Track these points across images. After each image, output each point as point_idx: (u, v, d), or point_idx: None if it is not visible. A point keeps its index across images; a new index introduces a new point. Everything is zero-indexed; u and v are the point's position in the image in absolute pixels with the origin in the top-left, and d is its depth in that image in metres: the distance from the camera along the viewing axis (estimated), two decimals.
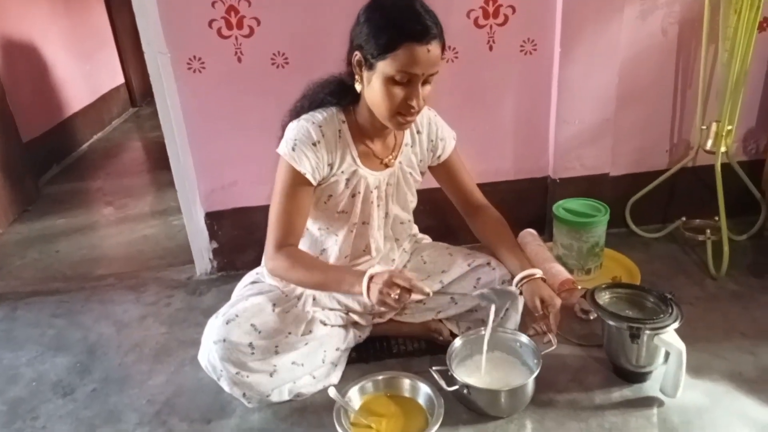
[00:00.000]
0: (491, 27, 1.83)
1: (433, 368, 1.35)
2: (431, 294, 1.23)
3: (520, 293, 1.38)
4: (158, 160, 3.42)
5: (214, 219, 1.97)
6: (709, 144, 1.88)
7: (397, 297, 1.18)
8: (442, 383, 1.31)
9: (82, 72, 3.97)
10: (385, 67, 1.21)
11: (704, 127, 1.89)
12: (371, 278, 1.22)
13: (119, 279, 2.08)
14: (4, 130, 2.69)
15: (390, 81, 1.22)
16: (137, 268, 2.17)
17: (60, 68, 3.62)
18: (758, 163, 2.06)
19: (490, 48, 1.86)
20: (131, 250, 2.33)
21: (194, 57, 1.74)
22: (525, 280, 1.35)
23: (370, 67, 1.23)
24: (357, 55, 1.25)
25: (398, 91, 1.23)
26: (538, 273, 1.36)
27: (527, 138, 2.01)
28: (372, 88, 1.26)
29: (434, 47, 1.20)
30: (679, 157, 2.04)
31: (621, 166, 2.05)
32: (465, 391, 1.29)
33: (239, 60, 1.76)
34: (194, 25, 1.71)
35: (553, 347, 1.32)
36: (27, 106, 3.11)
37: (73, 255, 2.33)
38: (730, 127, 1.84)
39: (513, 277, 1.39)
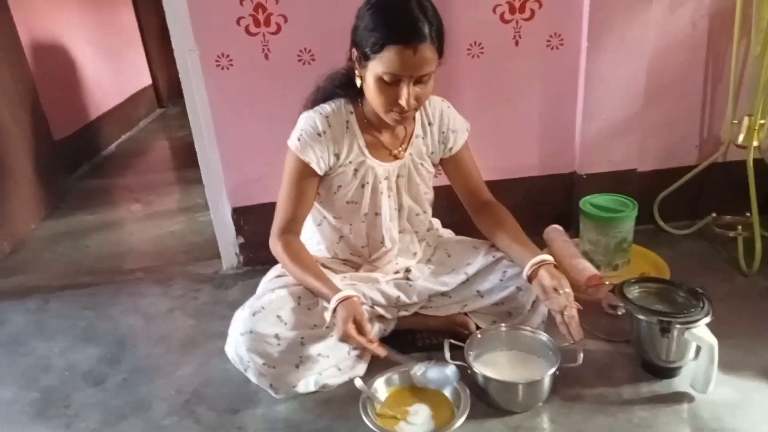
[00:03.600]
0: (517, 22, 1.82)
1: (447, 340, 1.37)
2: (383, 355, 1.31)
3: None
4: (184, 159, 3.48)
5: (240, 214, 2.00)
6: (740, 138, 1.84)
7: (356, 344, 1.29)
8: (447, 354, 1.34)
9: (111, 72, 4.05)
10: (374, 66, 1.24)
11: (735, 122, 1.85)
12: (339, 302, 1.30)
13: (147, 273, 2.12)
14: (36, 128, 2.75)
15: (380, 80, 1.25)
16: (164, 262, 2.20)
17: (89, 69, 3.69)
18: None
19: (516, 43, 1.85)
20: (159, 246, 2.37)
21: (222, 54, 1.77)
22: (533, 269, 1.34)
23: (364, 65, 1.27)
24: (354, 52, 1.29)
25: (388, 90, 1.25)
26: (547, 258, 1.34)
27: (553, 133, 1.99)
28: (367, 85, 1.30)
29: (423, 50, 1.20)
30: (709, 152, 2.00)
31: (649, 161, 2.03)
32: (480, 379, 1.30)
33: (266, 57, 1.78)
34: (222, 22, 1.73)
35: (578, 363, 1.29)
36: (58, 105, 3.18)
37: (102, 250, 2.38)
38: (762, 121, 1.80)
39: (522, 269, 1.37)
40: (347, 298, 1.31)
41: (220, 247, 2.06)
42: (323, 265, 1.50)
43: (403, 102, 1.25)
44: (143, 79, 4.70)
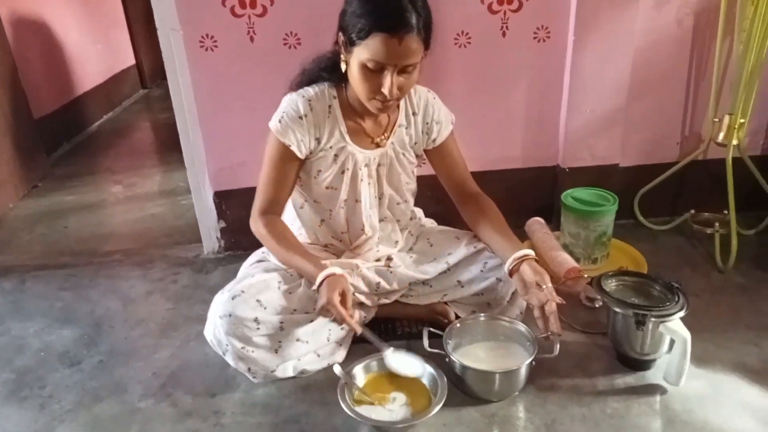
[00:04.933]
0: (505, 13, 1.82)
1: (426, 328, 1.38)
2: (360, 332, 1.33)
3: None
4: (167, 142, 3.44)
5: (222, 198, 1.98)
6: (720, 137, 1.87)
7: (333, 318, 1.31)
8: (425, 342, 1.35)
9: (94, 51, 3.98)
10: (359, 53, 1.23)
11: (716, 120, 1.88)
12: (326, 277, 1.30)
13: (126, 255, 2.10)
14: (16, 106, 2.69)
15: (364, 67, 1.25)
16: (144, 245, 2.18)
17: (72, 47, 3.62)
18: None
19: (504, 34, 1.85)
20: (139, 228, 2.35)
21: (207, 35, 1.74)
22: (515, 263, 1.34)
23: (349, 50, 1.26)
24: (340, 36, 1.28)
25: (371, 78, 1.25)
26: (530, 253, 1.35)
27: (538, 126, 2.00)
28: (351, 71, 1.29)
29: (409, 40, 1.20)
30: (690, 149, 2.03)
31: (631, 157, 2.05)
32: (457, 368, 1.31)
33: (252, 39, 1.76)
34: (208, 2, 1.70)
35: (554, 354, 1.31)
36: (39, 83, 3.13)
37: (81, 231, 2.34)
38: (742, 120, 1.83)
39: (504, 262, 1.38)
40: (333, 274, 1.31)
41: (201, 231, 2.04)
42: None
43: (385, 90, 1.25)
44: (127, 59, 4.62)
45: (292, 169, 1.42)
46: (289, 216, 1.56)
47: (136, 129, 3.92)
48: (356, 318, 1.39)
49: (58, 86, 3.48)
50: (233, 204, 1.99)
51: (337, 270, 1.33)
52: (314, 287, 1.33)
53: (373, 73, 1.24)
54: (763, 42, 1.72)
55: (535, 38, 1.87)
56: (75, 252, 2.16)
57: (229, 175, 1.95)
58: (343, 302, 1.28)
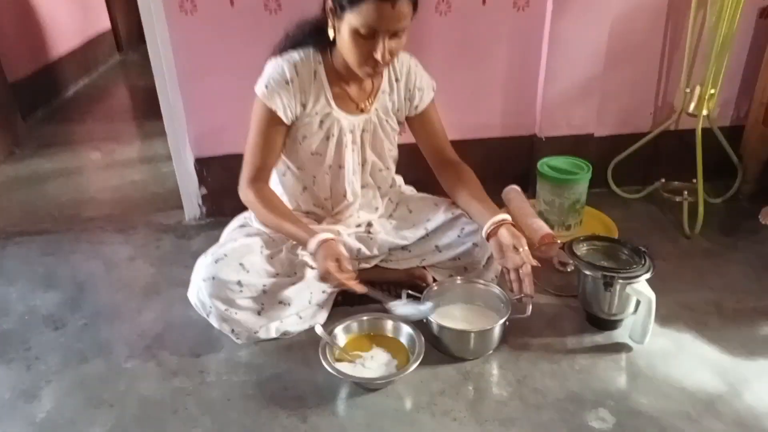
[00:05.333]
0: None
1: (405, 291, 1.43)
2: (362, 291, 1.35)
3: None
4: (146, 108, 3.41)
5: (203, 165, 1.99)
6: (691, 107, 1.92)
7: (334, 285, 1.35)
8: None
9: (69, 13, 3.88)
10: (351, 18, 1.23)
11: (688, 90, 1.93)
12: (320, 244, 1.32)
13: (108, 222, 2.10)
14: None
15: (356, 33, 1.25)
16: (126, 211, 2.18)
17: (46, 9, 3.53)
18: (738, 129, 2.11)
19: (483, 2, 1.86)
20: (120, 195, 2.35)
21: None
22: (492, 227, 1.38)
23: (339, 16, 1.26)
24: (329, 3, 1.28)
25: (363, 44, 1.26)
26: (507, 218, 1.39)
27: (516, 95, 2.03)
28: (341, 37, 1.29)
29: (401, 4, 1.22)
30: (662, 119, 2.08)
31: (606, 126, 2.09)
32: (434, 328, 1.37)
33: (232, 3, 1.75)
34: None
35: (527, 315, 1.37)
36: (12, 47, 3.06)
37: (60, 197, 2.34)
38: (713, 91, 1.88)
39: (482, 227, 1.42)
40: (326, 240, 1.34)
41: (182, 197, 2.05)
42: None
43: (378, 56, 1.26)
44: (102, 22, 4.52)
45: (278, 134, 1.42)
46: (272, 183, 1.58)
47: (114, 94, 3.87)
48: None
49: (33, 50, 3.40)
50: (214, 170, 2.00)
51: (329, 235, 1.36)
52: (308, 253, 1.36)
53: (365, 39, 1.25)
54: (734, 14, 1.76)
55: (514, 7, 1.88)
56: (55, 218, 2.15)
57: (210, 140, 1.95)
58: (340, 267, 1.31)
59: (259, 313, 1.40)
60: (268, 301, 1.40)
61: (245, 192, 1.45)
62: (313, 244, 1.33)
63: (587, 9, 1.86)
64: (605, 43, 1.92)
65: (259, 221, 1.51)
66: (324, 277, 1.32)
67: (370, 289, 1.37)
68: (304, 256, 1.47)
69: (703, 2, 1.85)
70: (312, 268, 1.47)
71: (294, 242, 1.47)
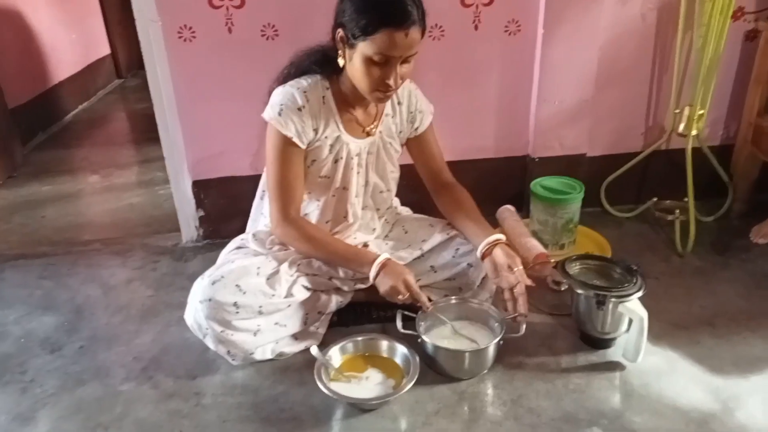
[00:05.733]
0: (477, 7, 1.87)
1: (399, 311, 1.44)
2: (429, 307, 1.42)
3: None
4: (144, 132, 3.44)
5: (201, 187, 2.01)
6: (681, 127, 1.96)
7: (405, 298, 1.38)
8: (399, 324, 1.42)
9: (69, 41, 3.94)
10: (364, 47, 1.27)
11: (677, 111, 1.96)
12: (381, 267, 1.37)
13: (105, 245, 2.12)
14: None
15: (369, 61, 1.28)
16: (123, 234, 2.20)
17: (46, 36, 3.59)
18: (728, 148, 2.14)
19: (476, 27, 1.90)
20: (117, 218, 2.36)
21: (185, 26, 1.76)
22: (487, 247, 1.41)
23: (351, 45, 1.30)
24: (339, 32, 1.31)
25: (376, 71, 1.29)
26: (501, 238, 1.42)
27: (509, 117, 2.07)
28: (353, 65, 1.32)
29: (413, 31, 1.26)
30: (653, 139, 2.12)
31: (598, 147, 2.13)
32: (429, 348, 1.38)
33: (230, 30, 1.79)
34: None
35: (520, 334, 1.39)
36: (13, 73, 3.10)
37: (59, 221, 2.35)
38: (701, 112, 1.91)
39: (477, 247, 1.45)
40: (386, 261, 1.39)
41: (179, 220, 2.07)
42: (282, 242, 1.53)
43: (391, 81, 1.30)
44: (101, 48, 4.58)
45: (299, 158, 1.43)
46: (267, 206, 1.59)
47: (112, 119, 3.91)
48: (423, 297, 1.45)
49: (33, 76, 3.44)
50: (212, 193, 2.02)
51: (385, 256, 1.41)
52: (371, 279, 1.40)
53: (378, 65, 1.28)
54: (721, 37, 1.81)
55: (506, 31, 1.93)
56: (53, 241, 2.17)
57: (208, 164, 1.98)
58: (407, 285, 1.37)
59: (255, 334, 1.41)
60: (264, 322, 1.41)
61: (283, 229, 1.45)
62: (374, 269, 1.38)
63: (577, 34, 1.90)
64: (595, 66, 1.96)
65: (302, 254, 1.51)
66: (392, 295, 1.37)
67: (432, 308, 1.44)
68: (300, 277, 1.47)
69: (689, 25, 1.90)
70: (308, 289, 1.48)
71: (297, 262, 1.48)
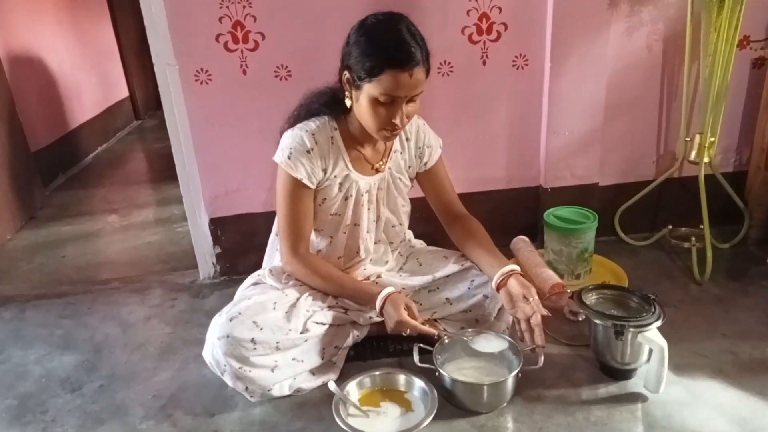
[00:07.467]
0: (485, 43, 1.92)
1: (416, 344, 1.44)
2: (437, 334, 1.44)
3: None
4: (161, 171, 3.52)
5: (217, 224, 2.04)
6: (693, 155, 1.96)
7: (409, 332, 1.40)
8: (416, 358, 1.41)
9: (89, 85, 4.07)
10: (370, 89, 1.31)
11: (688, 139, 1.97)
12: (385, 299, 1.41)
13: (124, 283, 2.15)
14: (13, 139, 2.76)
15: (375, 101, 1.32)
16: (142, 272, 2.23)
17: (67, 80, 3.71)
18: (742, 175, 2.14)
19: (484, 63, 1.94)
20: (136, 256, 2.40)
21: (201, 69, 1.82)
22: (502, 278, 1.42)
23: (358, 87, 1.34)
24: (346, 74, 1.36)
25: (383, 110, 1.33)
26: (516, 268, 1.43)
27: (519, 148, 2.09)
28: (360, 106, 1.37)
29: (417, 72, 1.29)
30: (665, 167, 2.12)
31: (609, 176, 2.13)
32: (447, 381, 1.37)
33: (244, 72, 1.85)
34: (202, 38, 1.79)
35: (539, 365, 1.38)
36: (35, 117, 3.20)
37: (78, 260, 2.39)
38: (712, 139, 1.92)
39: (491, 279, 1.45)
40: (391, 293, 1.43)
41: (197, 256, 2.10)
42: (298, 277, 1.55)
43: (397, 121, 1.34)
44: (120, 91, 4.71)
45: (308, 198, 1.48)
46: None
47: (131, 159, 4.00)
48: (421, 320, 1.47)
49: (54, 119, 3.55)
50: (228, 230, 2.05)
51: (390, 289, 1.44)
52: (377, 310, 1.44)
53: (384, 106, 1.32)
54: (727, 65, 1.83)
55: (513, 66, 1.96)
56: (73, 280, 2.20)
57: (224, 201, 2.01)
58: (411, 315, 1.41)
59: (272, 370, 1.41)
60: (282, 358, 1.42)
61: (292, 265, 1.50)
62: (379, 302, 1.42)
63: (583, 66, 1.93)
64: (603, 97, 1.98)
65: (314, 287, 1.54)
66: (398, 328, 1.39)
67: (440, 331, 1.46)
68: (316, 312, 1.48)
69: (696, 56, 1.92)
70: (325, 324, 1.49)
71: (311, 296, 1.51)
